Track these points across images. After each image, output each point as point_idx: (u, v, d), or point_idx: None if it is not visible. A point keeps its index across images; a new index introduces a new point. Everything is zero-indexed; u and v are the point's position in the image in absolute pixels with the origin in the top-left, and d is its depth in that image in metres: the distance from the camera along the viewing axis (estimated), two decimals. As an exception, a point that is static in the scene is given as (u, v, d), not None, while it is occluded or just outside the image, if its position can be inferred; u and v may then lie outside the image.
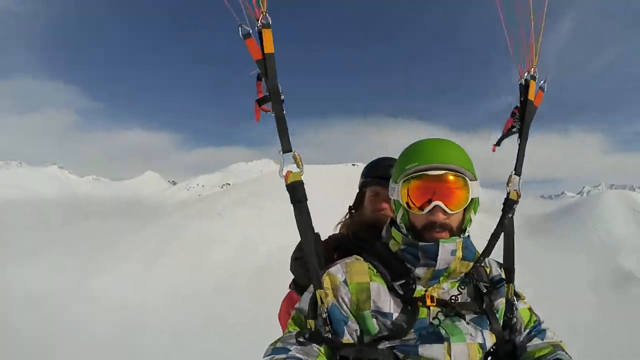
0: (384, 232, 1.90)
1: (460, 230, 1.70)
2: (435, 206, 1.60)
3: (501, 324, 1.83)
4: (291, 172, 1.84)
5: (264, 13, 1.81)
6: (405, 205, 1.68)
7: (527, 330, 1.91)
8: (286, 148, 1.81)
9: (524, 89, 2.32)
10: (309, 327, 1.64)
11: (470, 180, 1.65)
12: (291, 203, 1.85)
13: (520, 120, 2.29)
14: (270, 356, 1.51)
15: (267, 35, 1.80)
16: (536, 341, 1.85)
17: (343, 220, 2.69)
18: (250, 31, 1.80)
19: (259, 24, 1.79)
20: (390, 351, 1.60)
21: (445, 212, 1.62)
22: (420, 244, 1.63)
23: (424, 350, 1.57)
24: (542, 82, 2.36)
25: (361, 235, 2.31)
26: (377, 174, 2.49)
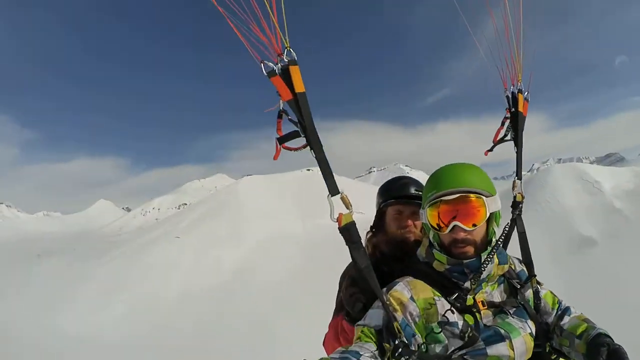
0: (421, 252, 2.06)
1: (485, 242, 1.92)
2: (455, 226, 1.80)
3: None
4: (342, 214, 1.86)
5: (288, 48, 1.73)
6: (431, 228, 1.90)
7: (555, 310, 2.17)
8: (334, 191, 1.85)
9: (514, 101, 2.61)
10: (388, 346, 1.65)
11: (487, 197, 1.84)
12: (347, 244, 1.88)
13: (514, 131, 2.61)
14: (342, 355, 1.55)
15: (296, 72, 1.72)
16: (567, 319, 2.11)
17: (366, 239, 2.69)
18: (275, 69, 1.71)
19: (285, 60, 1.72)
20: (462, 357, 1.74)
21: (465, 230, 1.81)
22: (465, 261, 1.83)
23: (492, 350, 1.75)
24: (526, 93, 2.65)
25: (392, 253, 2.48)
26: (397, 194, 2.62)
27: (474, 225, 1.81)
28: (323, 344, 2.62)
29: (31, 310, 30.82)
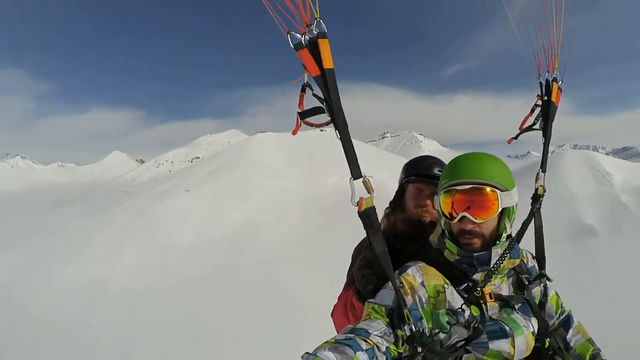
0: (433, 238, 2.08)
1: (494, 236, 1.92)
2: (463, 217, 1.83)
3: None
4: (363, 198, 1.84)
5: (318, 19, 1.65)
6: (442, 215, 1.93)
7: (557, 315, 2.25)
8: (357, 175, 1.81)
9: (546, 89, 2.51)
10: (400, 334, 1.70)
11: (502, 192, 1.83)
12: (365, 228, 1.88)
13: (544, 120, 2.51)
14: (350, 334, 1.60)
15: (325, 46, 1.65)
16: (572, 333, 2.21)
17: (384, 213, 2.74)
18: (303, 40, 1.65)
19: (314, 32, 1.65)
20: (463, 348, 1.78)
21: (473, 222, 1.83)
22: (475, 254, 1.86)
23: (494, 345, 1.78)
24: (560, 82, 2.53)
25: (407, 232, 2.51)
26: (420, 172, 2.62)
27: (484, 219, 1.84)
28: (331, 315, 2.64)
29: (47, 258, 31.45)
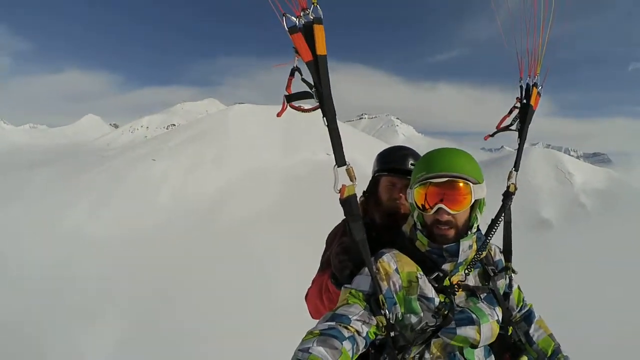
0: (406, 229, 2.12)
1: (467, 227, 1.97)
2: (440, 208, 1.86)
3: None
4: (346, 186, 1.87)
5: (315, 3, 1.63)
6: (417, 208, 1.96)
7: (518, 307, 2.34)
8: (341, 162, 1.83)
9: (526, 93, 2.59)
10: (380, 320, 1.78)
11: (474, 184, 1.89)
12: (345, 215, 1.92)
13: (521, 122, 2.59)
14: (331, 323, 1.67)
15: (320, 32, 1.65)
16: (534, 328, 2.30)
17: (359, 201, 2.67)
18: (297, 24, 1.63)
19: (310, 16, 1.63)
20: (433, 332, 1.87)
21: (449, 213, 1.87)
22: (444, 246, 1.90)
23: (461, 331, 1.86)
24: (540, 87, 2.61)
25: (381, 221, 2.54)
26: (394, 166, 2.60)
27: (458, 210, 1.89)
28: (305, 298, 2.66)
29: (31, 216, 32.14)
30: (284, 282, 22.94)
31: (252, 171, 44.76)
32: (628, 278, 29.54)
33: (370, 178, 2.79)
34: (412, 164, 2.57)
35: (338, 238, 2.62)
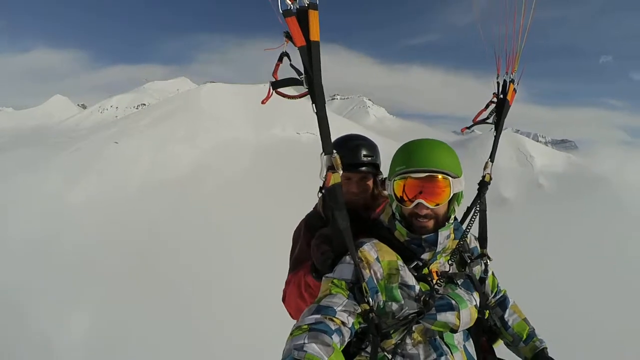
0: (384, 219, 2.14)
1: (445, 218, 1.99)
2: (419, 203, 1.88)
3: None
4: (331, 174, 1.87)
5: None
6: (397, 201, 1.96)
7: (493, 293, 2.42)
8: (328, 151, 1.83)
9: (503, 89, 2.67)
10: (364, 308, 1.81)
11: (453, 178, 1.90)
12: (330, 204, 1.94)
13: (497, 117, 2.68)
14: (317, 316, 1.68)
15: (314, 18, 1.62)
16: (508, 313, 2.40)
17: (319, 197, 2.75)
18: (292, 7, 1.60)
19: (304, 1, 1.61)
20: (414, 319, 1.89)
21: (428, 207, 1.88)
22: (423, 236, 1.92)
23: (441, 317, 1.89)
24: (517, 84, 2.69)
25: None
26: (347, 160, 2.42)
27: (437, 204, 1.90)
28: (283, 301, 2.60)
29: (6, 197, 32.29)
30: (244, 239, 24.85)
31: (223, 145, 45.74)
32: (577, 253, 31.88)
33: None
34: (364, 155, 2.59)
35: (304, 234, 2.63)
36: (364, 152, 2.57)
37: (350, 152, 2.54)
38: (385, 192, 2.28)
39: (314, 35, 1.63)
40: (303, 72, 1.72)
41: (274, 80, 1.77)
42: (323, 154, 1.83)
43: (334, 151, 1.85)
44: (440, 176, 1.88)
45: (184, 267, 25.42)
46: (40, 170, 37.68)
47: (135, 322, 21.01)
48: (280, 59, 1.75)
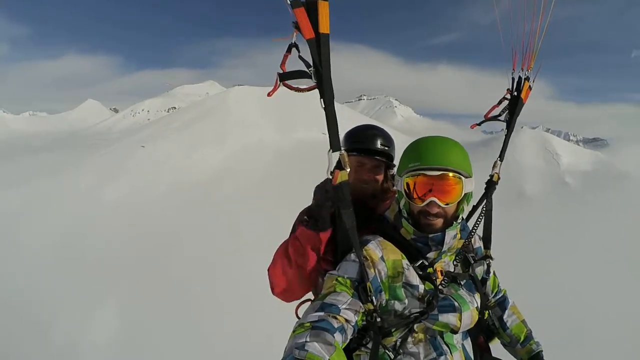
0: (389, 215, 2.14)
1: (454, 217, 2.02)
2: (431, 201, 1.89)
3: None
4: (339, 172, 1.86)
5: None
6: (407, 197, 1.97)
7: (494, 293, 2.46)
8: (336, 147, 1.81)
9: (517, 86, 2.61)
10: (368, 308, 1.82)
11: (465, 178, 1.92)
12: (338, 202, 1.92)
13: (510, 114, 2.63)
14: (321, 313, 1.69)
15: (324, 10, 1.57)
16: (507, 314, 2.44)
17: None
18: None
19: None
20: (417, 319, 1.92)
21: (439, 206, 1.90)
22: (430, 235, 1.93)
23: (442, 318, 1.92)
24: (532, 81, 2.62)
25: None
26: (362, 146, 2.54)
27: (448, 203, 1.91)
28: (268, 271, 2.37)
29: (42, 196, 33.56)
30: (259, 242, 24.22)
31: (249, 147, 46.82)
32: (601, 251, 30.90)
33: None
34: (381, 144, 2.57)
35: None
36: (380, 141, 2.59)
37: (367, 139, 2.59)
38: (395, 187, 2.23)
39: (324, 27, 1.59)
40: (312, 65, 1.69)
41: (281, 72, 1.74)
42: (331, 150, 1.80)
43: (343, 148, 1.84)
44: (452, 175, 1.90)
45: (202, 270, 26.16)
46: (74, 171, 39.23)
47: (155, 323, 21.82)
48: (288, 50, 1.72)
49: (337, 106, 1.78)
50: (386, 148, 2.60)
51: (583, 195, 41.53)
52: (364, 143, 2.55)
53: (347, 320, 1.72)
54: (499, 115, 2.69)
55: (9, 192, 33.44)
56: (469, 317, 1.98)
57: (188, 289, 24.06)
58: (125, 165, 40.72)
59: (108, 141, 53.18)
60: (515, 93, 2.64)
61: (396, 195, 2.12)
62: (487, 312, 2.31)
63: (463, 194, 1.93)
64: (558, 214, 37.72)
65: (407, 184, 1.95)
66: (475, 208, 2.54)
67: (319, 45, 1.59)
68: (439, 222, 1.95)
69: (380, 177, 2.57)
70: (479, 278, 2.22)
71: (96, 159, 43.29)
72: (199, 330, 21.23)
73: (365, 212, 2.36)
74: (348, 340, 1.75)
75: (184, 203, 35.41)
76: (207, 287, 24.25)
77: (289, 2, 1.52)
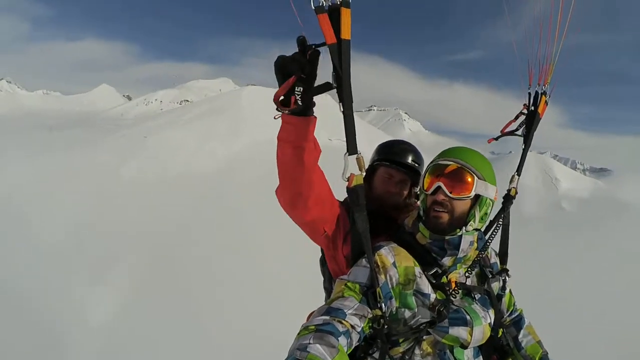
0: (408, 222, 2.12)
1: (462, 221, 1.94)
2: (438, 187, 1.89)
3: None
4: (354, 175, 1.84)
5: None
6: (422, 191, 2.01)
7: (510, 312, 2.42)
8: (353, 151, 1.77)
9: (534, 100, 2.65)
10: (376, 314, 1.78)
11: (478, 179, 1.91)
12: (351, 205, 1.90)
13: (527, 129, 2.65)
14: (326, 317, 1.66)
15: (346, 16, 1.58)
16: (522, 333, 2.38)
17: None
18: (324, 4, 1.56)
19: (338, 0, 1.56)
20: (425, 329, 1.88)
21: (446, 195, 1.88)
22: (446, 237, 1.90)
23: (453, 331, 1.87)
24: (548, 96, 2.66)
25: (373, 208, 2.26)
26: (394, 158, 2.57)
27: (456, 194, 1.87)
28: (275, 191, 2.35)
29: (57, 174, 33.48)
30: (268, 233, 24.66)
31: (260, 143, 46.78)
32: (591, 275, 32.29)
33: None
34: (412, 160, 2.58)
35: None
36: (411, 157, 2.60)
37: (399, 152, 2.61)
38: (417, 204, 2.29)
39: (345, 33, 1.60)
40: (332, 70, 1.67)
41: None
42: (347, 154, 1.77)
43: (359, 152, 1.81)
44: (465, 170, 1.90)
45: (203, 264, 25.99)
46: (90, 151, 39.68)
47: (158, 314, 21.42)
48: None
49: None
50: (416, 165, 2.60)
51: (579, 221, 42.42)
52: (396, 156, 2.59)
53: (352, 326, 1.69)
54: (516, 129, 2.69)
55: (24, 166, 33.68)
56: (481, 332, 1.93)
57: (190, 284, 23.91)
58: (136, 151, 41.40)
59: (121, 126, 53.85)
60: (532, 108, 2.65)
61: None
62: (500, 330, 2.28)
63: (474, 194, 1.91)
64: (552, 237, 38.77)
65: (424, 176, 2.01)
66: (492, 223, 2.45)
67: (340, 51, 1.61)
68: (445, 216, 1.91)
69: (406, 192, 2.58)
70: (495, 294, 2.17)
71: (110, 140, 43.95)
72: (191, 327, 20.61)
73: (386, 220, 2.42)
74: (353, 346, 1.72)
75: (188, 194, 35.83)
76: (209, 279, 24.18)
77: (313, 7, 1.55)
